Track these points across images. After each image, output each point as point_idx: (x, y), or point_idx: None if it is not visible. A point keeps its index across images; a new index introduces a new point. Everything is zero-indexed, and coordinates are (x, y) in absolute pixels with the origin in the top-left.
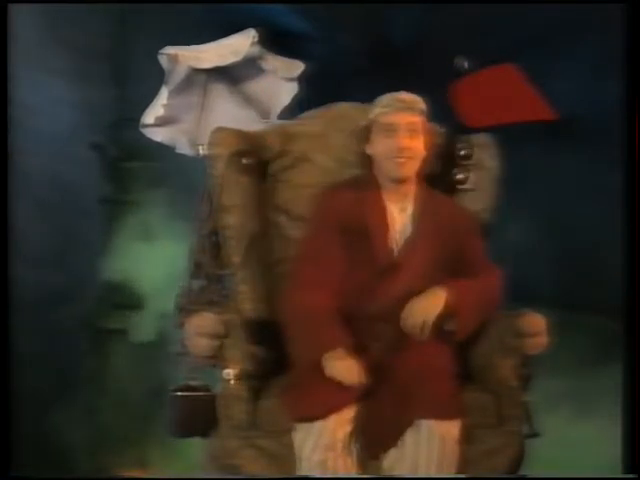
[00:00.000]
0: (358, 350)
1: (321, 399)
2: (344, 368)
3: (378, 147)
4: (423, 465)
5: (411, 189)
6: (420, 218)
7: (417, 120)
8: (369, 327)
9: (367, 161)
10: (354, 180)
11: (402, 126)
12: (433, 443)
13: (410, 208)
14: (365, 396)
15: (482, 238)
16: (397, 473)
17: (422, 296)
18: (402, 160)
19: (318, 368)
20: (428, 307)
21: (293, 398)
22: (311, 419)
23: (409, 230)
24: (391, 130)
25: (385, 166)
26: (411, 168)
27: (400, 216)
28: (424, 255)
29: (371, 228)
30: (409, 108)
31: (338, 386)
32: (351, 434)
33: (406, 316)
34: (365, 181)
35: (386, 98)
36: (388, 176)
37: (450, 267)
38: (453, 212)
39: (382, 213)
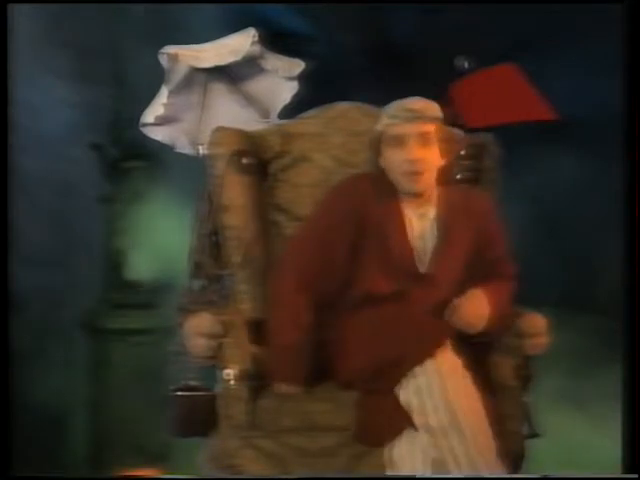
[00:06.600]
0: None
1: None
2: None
3: (389, 160)
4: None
5: (432, 196)
6: (445, 224)
7: (429, 130)
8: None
9: (382, 173)
10: (375, 176)
11: (412, 137)
12: (441, 375)
13: (432, 212)
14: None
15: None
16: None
17: (469, 300)
18: (415, 175)
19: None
20: (479, 314)
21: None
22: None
23: (430, 236)
24: (400, 142)
25: (398, 181)
26: (426, 181)
27: (420, 222)
28: (454, 265)
29: (391, 242)
30: (419, 117)
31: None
32: None
33: (455, 319)
34: (385, 181)
35: (393, 108)
36: (403, 191)
37: (477, 264)
38: (476, 206)
39: (401, 224)
